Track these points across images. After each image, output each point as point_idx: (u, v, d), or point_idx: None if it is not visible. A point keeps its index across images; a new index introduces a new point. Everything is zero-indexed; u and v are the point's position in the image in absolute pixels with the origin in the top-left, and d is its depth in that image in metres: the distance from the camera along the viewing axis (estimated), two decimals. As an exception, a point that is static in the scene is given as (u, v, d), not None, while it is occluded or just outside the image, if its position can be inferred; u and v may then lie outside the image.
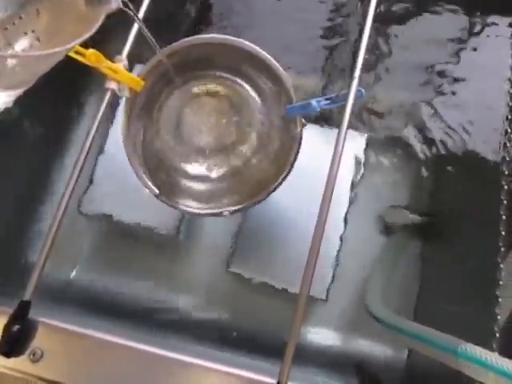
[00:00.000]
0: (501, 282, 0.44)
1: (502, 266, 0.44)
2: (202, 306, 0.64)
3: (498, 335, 0.42)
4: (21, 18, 0.39)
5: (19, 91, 0.39)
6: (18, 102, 0.58)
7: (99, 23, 0.37)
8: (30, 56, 0.37)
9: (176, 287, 0.65)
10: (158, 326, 0.59)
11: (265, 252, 0.61)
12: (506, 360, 0.36)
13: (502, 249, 0.45)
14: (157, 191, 0.46)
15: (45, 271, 0.40)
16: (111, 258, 0.67)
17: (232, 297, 0.64)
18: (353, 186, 0.63)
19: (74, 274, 0.66)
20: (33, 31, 0.39)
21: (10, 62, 0.37)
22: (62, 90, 0.69)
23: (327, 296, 0.59)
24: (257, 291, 0.62)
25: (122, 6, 0.39)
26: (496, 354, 0.37)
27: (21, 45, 0.39)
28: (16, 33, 0.39)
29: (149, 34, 0.43)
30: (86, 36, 0.36)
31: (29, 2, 0.39)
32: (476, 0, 0.66)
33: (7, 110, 0.58)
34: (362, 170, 0.64)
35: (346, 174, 0.63)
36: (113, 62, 0.42)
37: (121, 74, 0.42)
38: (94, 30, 0.37)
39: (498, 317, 0.43)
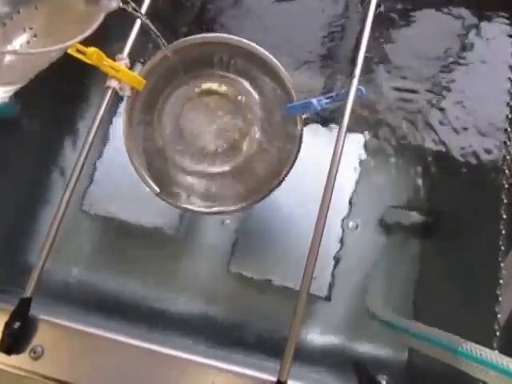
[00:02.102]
0: (501, 281, 0.44)
1: (502, 265, 0.44)
2: (202, 304, 0.64)
3: (498, 334, 0.42)
4: (19, 12, 0.39)
5: (16, 87, 0.39)
6: (19, 101, 0.58)
7: (99, 22, 0.37)
8: (30, 53, 0.37)
9: (176, 286, 0.65)
10: (158, 325, 0.59)
11: (265, 251, 0.61)
12: (507, 358, 0.36)
13: (503, 248, 0.45)
14: (157, 189, 0.46)
15: (46, 269, 0.40)
16: (111, 256, 0.67)
17: (232, 296, 0.64)
18: (353, 185, 0.63)
19: (74, 272, 0.66)
20: (31, 28, 0.39)
21: (8, 58, 0.38)
22: (63, 89, 0.69)
23: (327, 296, 0.59)
24: (257, 290, 0.62)
25: (121, 5, 0.39)
26: (496, 353, 0.37)
27: (19, 41, 0.39)
28: (14, 29, 0.39)
29: (154, 29, 0.43)
30: (86, 34, 0.36)
31: None
32: (477, -1, 0.66)
33: (8, 109, 0.58)
34: (361, 170, 0.64)
35: (346, 173, 0.63)
36: (114, 60, 0.42)
37: (122, 72, 0.42)
38: (93, 28, 0.37)
39: (499, 316, 0.43)
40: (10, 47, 0.39)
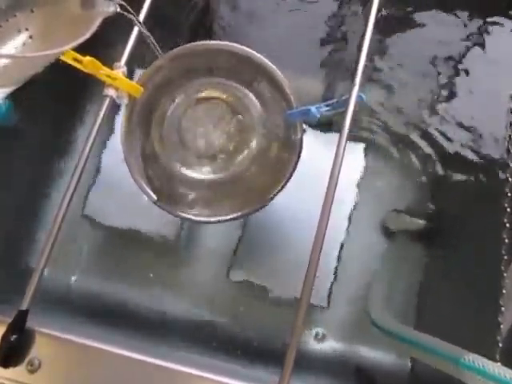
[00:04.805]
0: (504, 291, 0.43)
1: (505, 274, 0.43)
2: (201, 313, 0.64)
3: (500, 345, 0.42)
4: (15, 15, 0.39)
5: (9, 90, 0.39)
6: (19, 110, 0.58)
7: (96, 27, 0.37)
8: (25, 57, 0.37)
9: (176, 294, 0.65)
10: (156, 334, 0.59)
11: (265, 258, 0.61)
12: (509, 371, 0.36)
13: (506, 257, 0.44)
14: (155, 197, 0.45)
15: (44, 278, 0.40)
16: (111, 264, 0.67)
17: (232, 303, 0.64)
18: (354, 190, 0.62)
19: (73, 280, 0.66)
20: (26, 29, 0.39)
21: (3, 60, 0.37)
22: (62, 97, 0.69)
23: (328, 303, 0.59)
24: (257, 298, 0.62)
25: (119, 10, 0.39)
26: (499, 365, 0.37)
27: (14, 43, 0.39)
28: (10, 30, 0.39)
29: (150, 37, 0.43)
30: (82, 39, 0.35)
31: (24, 1, 0.39)
32: (481, 2, 0.65)
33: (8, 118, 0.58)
34: (363, 175, 0.64)
35: (347, 178, 0.62)
36: (112, 68, 0.42)
37: (119, 80, 0.42)
38: (90, 33, 0.36)
39: (501, 326, 0.42)
40: (5, 49, 0.38)
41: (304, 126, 0.46)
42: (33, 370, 0.38)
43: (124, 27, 0.45)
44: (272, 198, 0.45)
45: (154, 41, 0.42)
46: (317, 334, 0.62)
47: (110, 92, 0.42)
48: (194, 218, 0.46)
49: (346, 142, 0.41)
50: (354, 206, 0.62)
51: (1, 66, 0.37)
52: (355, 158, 0.64)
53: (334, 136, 0.62)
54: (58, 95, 0.67)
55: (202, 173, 0.47)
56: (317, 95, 0.69)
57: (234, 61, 0.46)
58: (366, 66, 0.41)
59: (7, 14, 0.39)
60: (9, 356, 0.36)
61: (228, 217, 0.45)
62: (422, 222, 0.64)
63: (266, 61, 0.45)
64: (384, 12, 0.63)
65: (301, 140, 0.45)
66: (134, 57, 0.46)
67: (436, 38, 0.67)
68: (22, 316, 0.37)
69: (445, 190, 0.65)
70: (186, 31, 0.72)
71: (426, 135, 0.67)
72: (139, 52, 0.47)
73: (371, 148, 0.66)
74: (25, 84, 0.38)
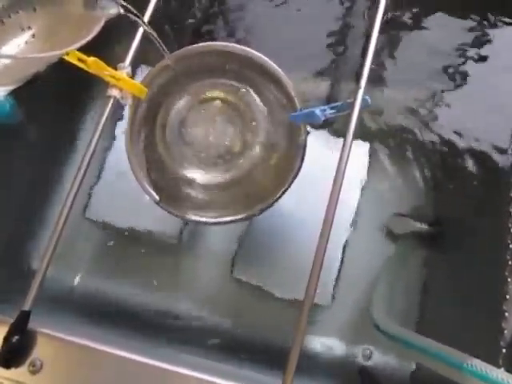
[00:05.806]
0: (508, 296, 0.43)
1: (509, 279, 0.43)
2: (203, 314, 0.64)
3: (504, 351, 0.41)
4: (18, 12, 0.39)
5: (10, 88, 0.39)
6: (21, 109, 0.58)
7: (98, 28, 0.37)
8: (27, 58, 0.37)
9: (178, 294, 0.65)
10: (158, 335, 0.59)
11: (268, 258, 0.61)
12: (512, 376, 0.36)
13: (510, 262, 0.44)
14: (157, 198, 0.45)
15: (47, 278, 0.39)
16: (113, 265, 0.67)
17: (235, 303, 0.64)
18: (358, 193, 0.62)
19: (75, 281, 0.66)
20: (29, 28, 0.39)
21: (4, 59, 0.37)
22: (64, 97, 0.69)
23: (331, 302, 0.58)
24: (260, 298, 0.61)
25: (122, 11, 0.39)
26: (501, 370, 0.37)
27: (17, 41, 0.39)
28: (12, 28, 0.39)
29: (157, 38, 0.42)
30: (85, 40, 0.35)
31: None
32: (487, 4, 0.65)
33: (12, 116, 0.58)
34: (366, 178, 0.64)
35: (351, 180, 0.62)
36: (116, 69, 0.41)
37: (123, 81, 0.41)
38: (93, 34, 0.36)
39: (505, 332, 0.42)
40: (7, 47, 0.38)
41: (308, 128, 0.46)
42: (35, 370, 0.38)
43: (128, 28, 0.45)
44: (276, 200, 0.45)
45: (160, 41, 0.42)
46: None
47: (114, 92, 0.42)
48: (196, 218, 0.45)
49: (351, 145, 0.41)
50: (357, 209, 0.62)
51: (2, 65, 0.37)
52: (359, 159, 0.64)
53: (340, 137, 0.63)
54: (60, 95, 0.67)
55: (205, 174, 0.47)
56: (321, 97, 0.69)
57: (238, 62, 0.46)
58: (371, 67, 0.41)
59: (9, 11, 0.39)
60: (10, 357, 0.36)
61: (230, 218, 0.45)
62: (424, 226, 0.64)
63: (270, 62, 0.45)
64: (389, 14, 0.63)
65: (305, 142, 0.45)
66: (138, 57, 0.46)
67: (439, 41, 0.66)
68: (24, 317, 0.37)
69: (448, 194, 0.65)
70: (189, 33, 0.72)
71: (430, 139, 0.67)
72: (143, 52, 0.47)
73: (375, 151, 0.65)
74: (26, 83, 0.38)
